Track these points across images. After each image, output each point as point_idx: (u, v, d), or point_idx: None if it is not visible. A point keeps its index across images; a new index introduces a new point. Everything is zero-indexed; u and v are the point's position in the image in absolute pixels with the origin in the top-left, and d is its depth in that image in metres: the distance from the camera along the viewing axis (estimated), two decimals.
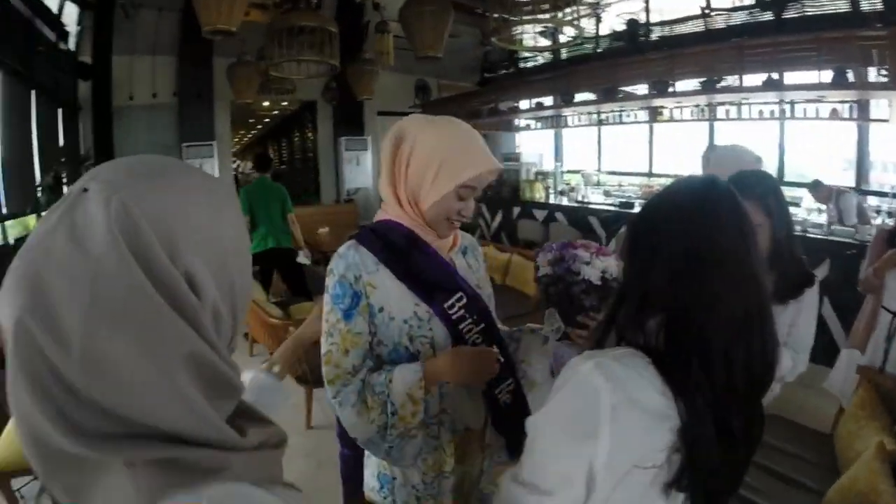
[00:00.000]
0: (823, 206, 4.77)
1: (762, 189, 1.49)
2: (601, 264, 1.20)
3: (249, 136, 17.74)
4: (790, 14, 5.18)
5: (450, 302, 1.11)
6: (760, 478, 1.97)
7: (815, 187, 4.76)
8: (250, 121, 13.88)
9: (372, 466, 1.23)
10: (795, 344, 1.55)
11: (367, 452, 1.20)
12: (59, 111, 7.05)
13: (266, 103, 7.81)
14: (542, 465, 0.76)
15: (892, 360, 2.24)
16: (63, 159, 6.62)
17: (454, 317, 1.12)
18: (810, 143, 5.55)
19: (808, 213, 4.94)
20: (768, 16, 5.29)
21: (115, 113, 7.21)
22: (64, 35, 6.89)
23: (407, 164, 1.08)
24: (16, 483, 2.19)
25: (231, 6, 3.05)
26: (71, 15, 7.00)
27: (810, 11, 5.01)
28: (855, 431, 1.97)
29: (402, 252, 1.09)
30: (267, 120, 13.73)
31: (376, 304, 1.09)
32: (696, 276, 0.74)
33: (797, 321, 1.55)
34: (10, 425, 1.97)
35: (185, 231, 0.48)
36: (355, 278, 1.08)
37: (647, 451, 0.71)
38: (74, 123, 7.53)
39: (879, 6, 4.24)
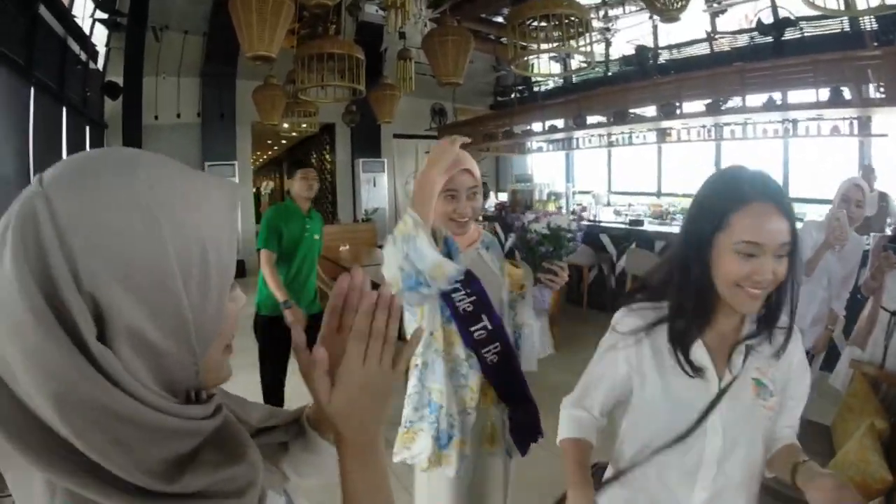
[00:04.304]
0: None
1: None
2: (545, 220, 1.51)
3: (265, 157, 18.17)
4: (789, 37, 5.43)
5: None
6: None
7: None
8: (268, 142, 14.27)
9: None
10: (791, 417, 1.11)
11: None
12: (87, 129, 7.36)
13: (286, 125, 8.07)
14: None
15: (891, 357, 2.36)
16: None
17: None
18: (816, 159, 5.67)
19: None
20: (768, 39, 5.55)
21: (142, 132, 7.54)
22: (94, 55, 7.25)
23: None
24: None
25: (273, 33, 3.32)
26: (99, 36, 7.37)
27: (808, 33, 5.26)
28: (849, 417, 2.08)
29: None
30: (284, 141, 14.11)
31: None
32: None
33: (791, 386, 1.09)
34: None
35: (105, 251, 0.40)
36: None
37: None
38: (101, 141, 7.87)
39: (874, 25, 4.43)
